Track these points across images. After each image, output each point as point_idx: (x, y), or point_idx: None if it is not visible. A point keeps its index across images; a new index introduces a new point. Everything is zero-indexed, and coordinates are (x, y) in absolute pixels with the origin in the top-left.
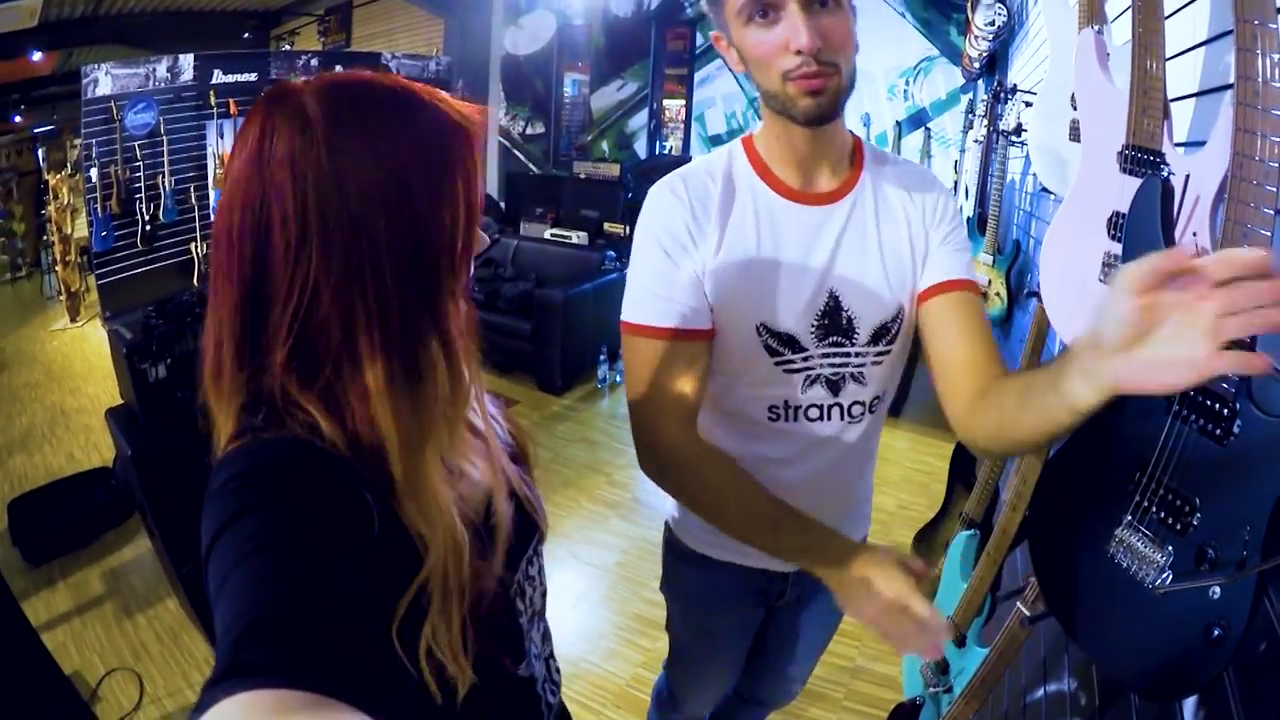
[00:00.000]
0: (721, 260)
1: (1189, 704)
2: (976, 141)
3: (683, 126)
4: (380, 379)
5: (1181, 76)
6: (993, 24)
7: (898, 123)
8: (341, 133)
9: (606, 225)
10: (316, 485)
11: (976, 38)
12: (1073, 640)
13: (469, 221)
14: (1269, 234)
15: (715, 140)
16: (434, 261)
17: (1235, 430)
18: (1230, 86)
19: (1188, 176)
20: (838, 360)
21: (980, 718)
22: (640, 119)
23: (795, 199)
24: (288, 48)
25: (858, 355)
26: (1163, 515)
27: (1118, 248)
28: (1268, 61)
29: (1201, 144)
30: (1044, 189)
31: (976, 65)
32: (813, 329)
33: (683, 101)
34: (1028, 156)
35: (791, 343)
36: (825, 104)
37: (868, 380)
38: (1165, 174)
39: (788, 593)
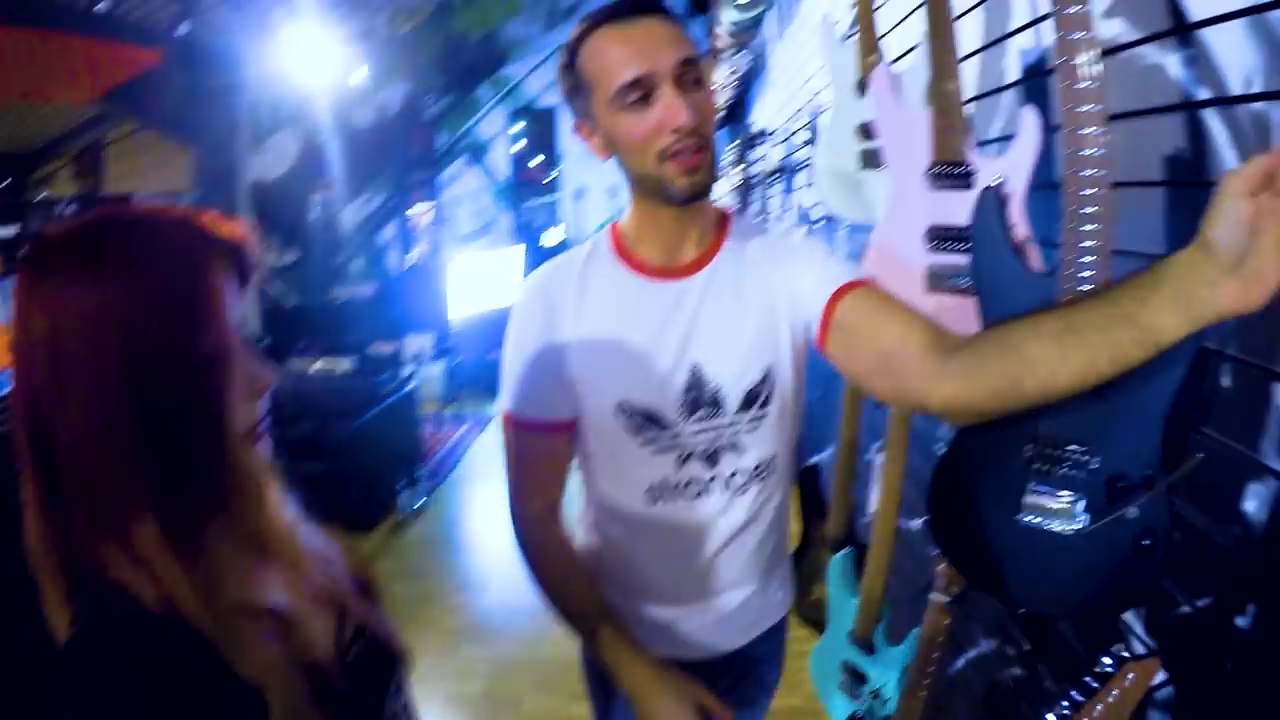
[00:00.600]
0: (579, 348)
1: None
2: (733, 189)
3: (432, 231)
4: (156, 535)
5: (966, 81)
6: (736, 71)
7: None
8: (91, 278)
9: (372, 347)
10: (150, 672)
11: (719, 90)
12: (1006, 604)
13: (228, 356)
14: (1101, 212)
15: (466, 239)
16: (204, 400)
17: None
18: (1006, 88)
19: (1000, 178)
20: (710, 433)
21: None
22: (391, 230)
23: (655, 276)
24: (46, 193)
25: (730, 425)
26: (1065, 470)
27: (938, 259)
28: (1083, 65)
29: (991, 142)
30: (808, 220)
31: (719, 115)
32: (678, 405)
33: (430, 204)
34: (785, 193)
35: (657, 421)
36: (701, 181)
37: (745, 448)
38: (999, 182)
39: (717, 682)
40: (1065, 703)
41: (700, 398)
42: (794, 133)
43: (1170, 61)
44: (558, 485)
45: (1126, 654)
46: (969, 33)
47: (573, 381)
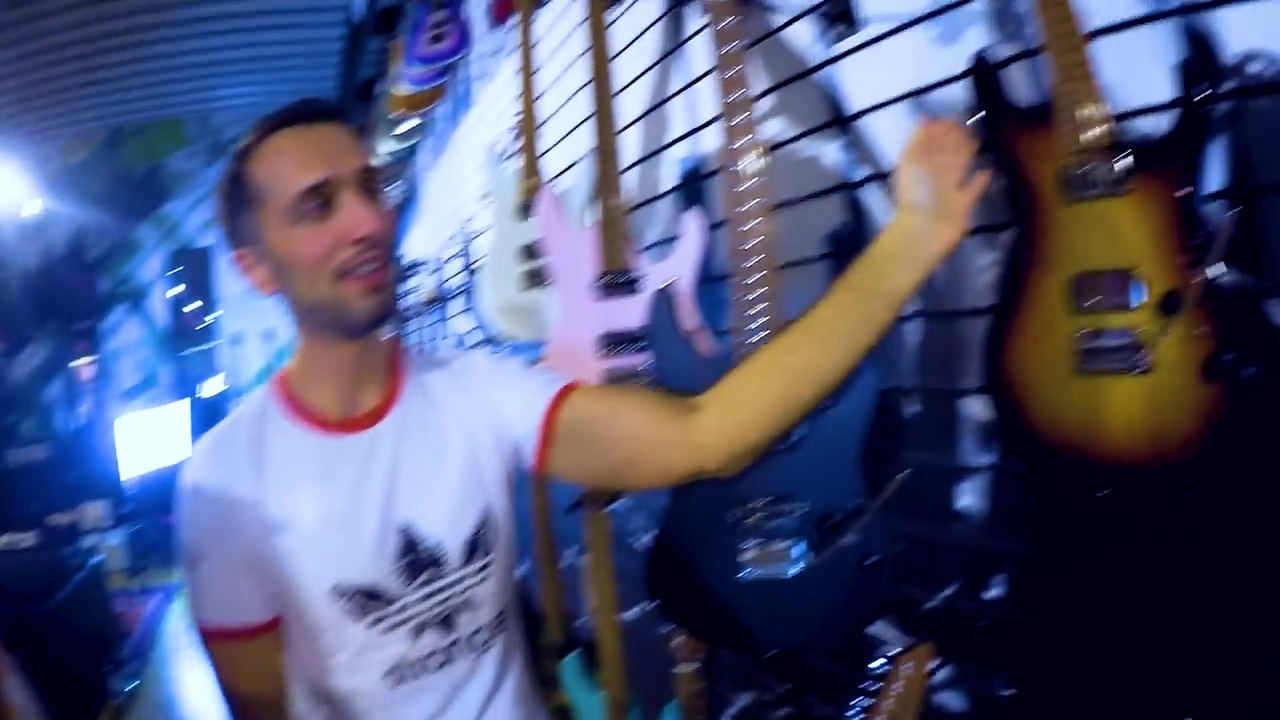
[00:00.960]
0: (270, 530)
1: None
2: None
3: (95, 386)
4: None
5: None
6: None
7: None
8: None
9: (51, 518)
10: None
11: None
12: (753, 654)
13: None
14: (771, 292)
15: (129, 395)
16: None
17: (793, 436)
18: (665, 194)
19: (667, 279)
20: (439, 596)
21: None
22: (57, 385)
23: (339, 429)
24: None
25: (459, 582)
26: (775, 523)
27: (613, 363)
28: (746, 170)
29: (653, 246)
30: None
31: None
32: (396, 574)
33: (93, 357)
34: (439, 321)
35: (379, 596)
36: (384, 302)
37: (480, 602)
38: (668, 285)
39: None
40: (854, 710)
41: (419, 560)
42: (447, 260)
43: (828, 150)
44: (277, 692)
45: (896, 649)
46: (629, 145)
47: (271, 572)
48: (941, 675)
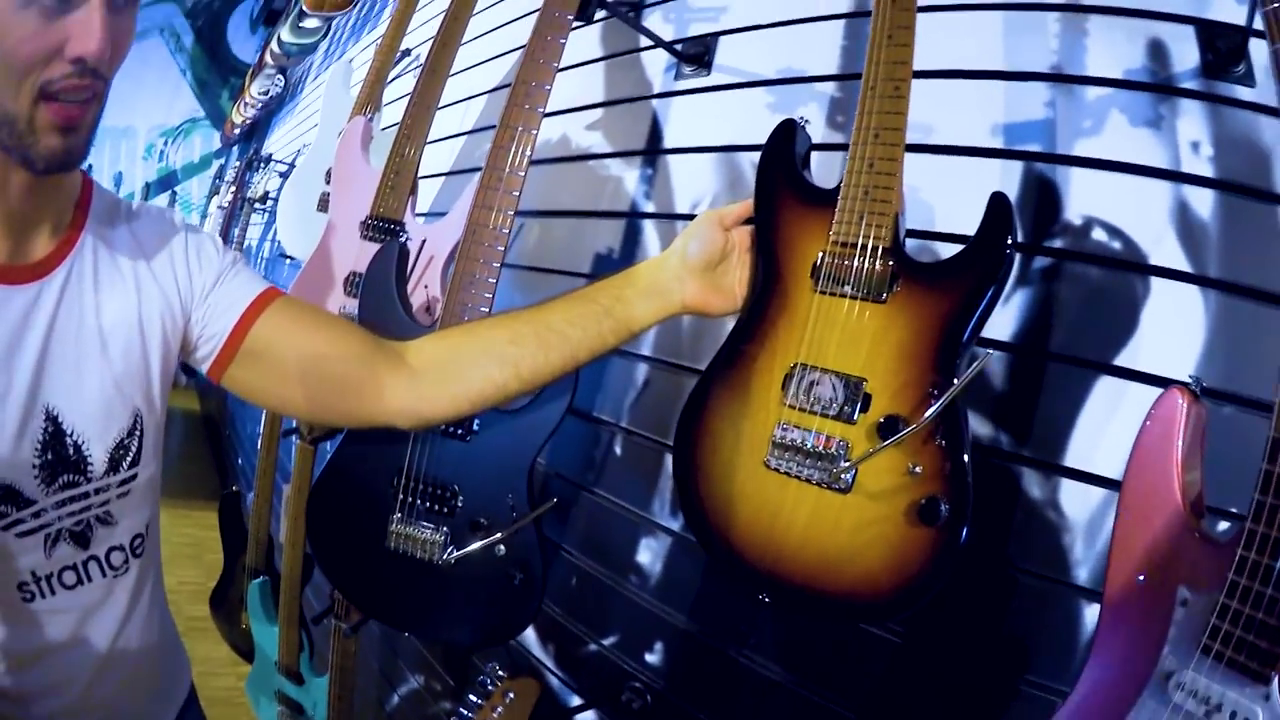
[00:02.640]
0: None
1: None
2: (220, 208)
3: None
4: None
5: (439, 159)
6: (267, 93)
7: (147, 184)
8: None
9: None
10: None
11: (247, 105)
12: (401, 630)
13: None
14: (494, 281)
15: None
16: None
17: (475, 427)
18: (478, 170)
19: (424, 241)
20: (77, 505)
21: None
22: None
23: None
24: None
25: (99, 493)
26: (429, 505)
27: (350, 304)
28: (515, 155)
29: (441, 215)
30: (283, 254)
31: (237, 131)
32: (36, 471)
33: None
34: (267, 224)
35: (13, 496)
36: (78, 144)
37: (118, 518)
38: (404, 239)
39: None
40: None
41: (61, 458)
42: (292, 166)
43: (631, 175)
44: None
45: (504, 674)
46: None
47: None
48: None
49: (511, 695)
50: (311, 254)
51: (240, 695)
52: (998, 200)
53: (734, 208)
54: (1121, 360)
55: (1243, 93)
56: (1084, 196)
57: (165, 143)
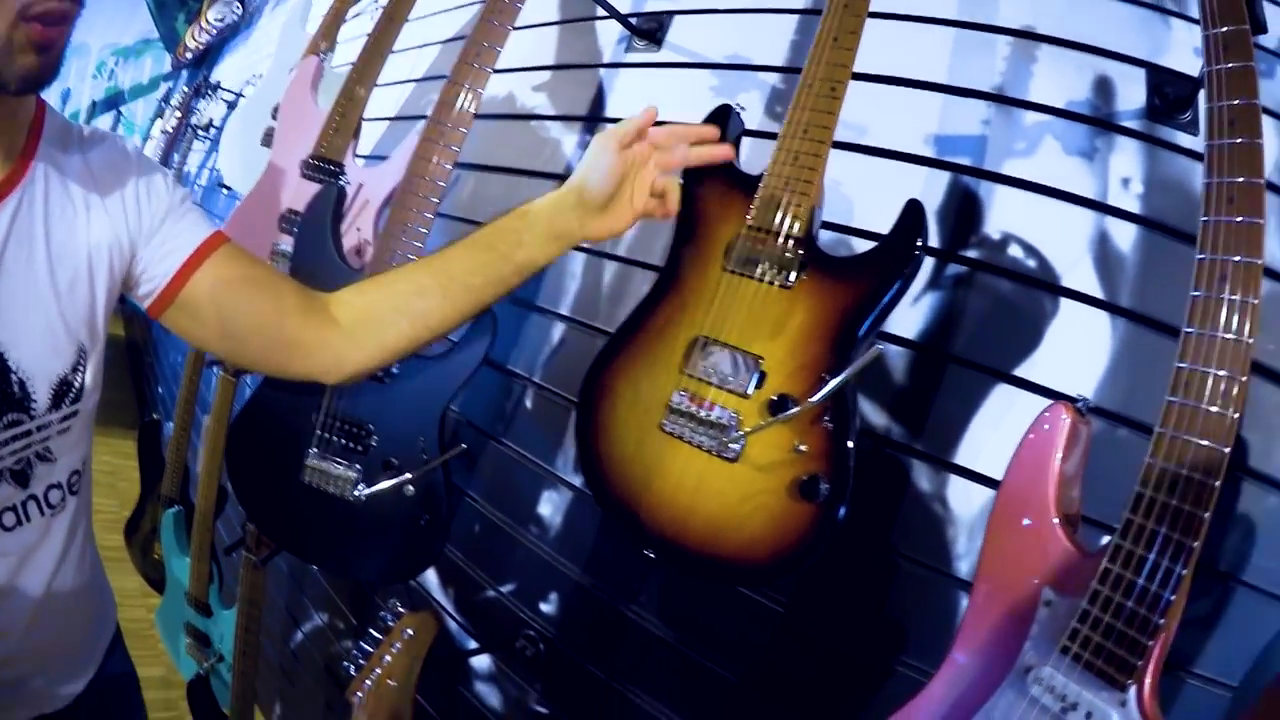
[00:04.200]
0: None
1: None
2: (164, 131)
3: None
4: None
5: (385, 103)
6: (223, 19)
7: (94, 102)
8: None
9: None
10: None
11: (201, 30)
12: (310, 563)
13: None
14: (426, 231)
15: None
16: None
17: (394, 371)
18: (422, 118)
19: (361, 185)
20: (19, 445)
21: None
22: None
23: None
24: None
25: (40, 430)
26: (345, 442)
27: (284, 241)
28: (460, 111)
29: (381, 159)
30: (221, 184)
31: (189, 56)
32: None
33: None
34: (208, 152)
35: None
36: (51, 63)
37: (57, 455)
38: (343, 182)
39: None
40: (358, 654)
41: (5, 395)
42: (239, 95)
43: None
44: None
45: (402, 610)
46: (405, 64)
47: None
48: (483, 667)
49: (410, 631)
50: (251, 189)
51: (150, 628)
52: (912, 206)
53: (630, 123)
54: (1020, 371)
55: (1183, 139)
56: (1006, 213)
57: (116, 62)
